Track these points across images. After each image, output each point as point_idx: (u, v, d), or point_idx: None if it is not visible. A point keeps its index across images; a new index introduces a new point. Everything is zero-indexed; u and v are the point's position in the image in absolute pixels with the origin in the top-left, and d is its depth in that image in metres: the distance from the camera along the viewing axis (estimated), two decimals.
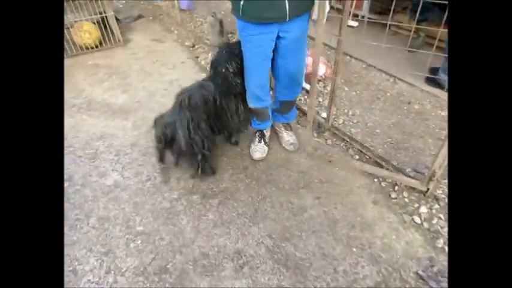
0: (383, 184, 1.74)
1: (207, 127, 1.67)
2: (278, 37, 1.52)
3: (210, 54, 3.11)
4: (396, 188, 1.70)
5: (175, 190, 1.74)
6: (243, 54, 1.59)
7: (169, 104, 2.46)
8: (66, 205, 1.67)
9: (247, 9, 1.38)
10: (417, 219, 1.53)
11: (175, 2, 3.78)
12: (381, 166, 1.80)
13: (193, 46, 3.36)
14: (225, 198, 1.68)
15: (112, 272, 1.36)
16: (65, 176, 1.84)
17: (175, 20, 3.93)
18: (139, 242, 1.48)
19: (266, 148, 1.95)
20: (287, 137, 2.00)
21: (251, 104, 1.75)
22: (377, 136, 2.05)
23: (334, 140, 2.05)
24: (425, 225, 1.50)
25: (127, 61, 3.10)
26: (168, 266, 1.38)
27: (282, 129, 2.02)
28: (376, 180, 1.76)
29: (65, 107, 2.44)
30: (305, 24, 1.54)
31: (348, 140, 1.99)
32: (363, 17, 3.40)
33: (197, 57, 3.14)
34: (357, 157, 1.91)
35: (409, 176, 1.68)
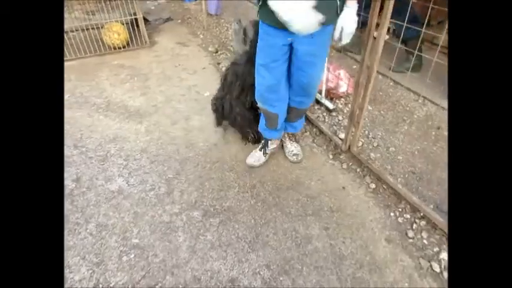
0: (400, 220, 1.58)
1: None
2: (292, 47, 1.47)
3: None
4: (414, 226, 1.54)
5: (177, 203, 1.68)
6: (257, 51, 1.57)
7: (185, 110, 2.45)
8: (69, 207, 1.66)
9: (261, 11, 1.42)
10: (436, 267, 1.36)
11: (203, 6, 3.78)
12: (400, 199, 1.64)
13: (217, 52, 3.33)
14: (227, 218, 1.60)
15: (100, 285, 1.32)
16: (74, 177, 1.84)
17: (202, 24, 3.94)
18: (132, 256, 1.43)
19: (262, 158, 1.90)
20: (291, 147, 1.94)
21: (258, 103, 1.74)
22: (398, 164, 1.89)
23: (350, 164, 1.91)
24: (446, 275, 1.34)
25: (150, 63, 3.12)
26: (156, 287, 1.31)
27: (287, 139, 1.97)
28: (392, 214, 1.61)
29: (86, 105, 2.47)
30: (323, 40, 1.44)
31: (366, 165, 1.85)
32: (394, 30, 3.21)
33: (219, 63, 3.10)
34: (374, 186, 1.76)
35: (431, 214, 1.51)
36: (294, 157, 1.90)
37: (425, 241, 1.47)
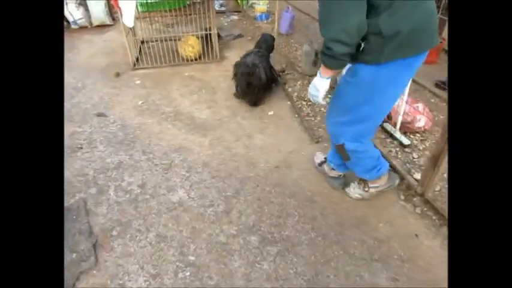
0: None
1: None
2: None
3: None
4: None
5: (234, 224, 1.65)
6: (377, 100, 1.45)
7: (248, 127, 2.45)
8: (133, 212, 1.72)
9: (392, 46, 1.30)
10: None
11: (276, 25, 3.83)
12: None
13: (283, 71, 3.32)
14: (285, 249, 1.52)
15: None
16: (139, 182, 1.91)
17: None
18: (188, 273, 1.41)
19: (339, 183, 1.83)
20: (353, 185, 1.81)
21: (352, 144, 1.58)
22: None
23: (425, 209, 1.71)
24: None
25: (218, 77, 3.21)
26: None
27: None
28: None
29: (156, 113, 2.61)
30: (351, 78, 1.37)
31: (442, 214, 1.63)
32: None
33: (285, 83, 3.08)
34: None
35: None
36: (354, 196, 1.80)
37: None
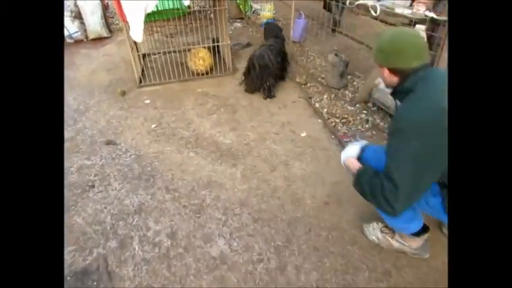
0: None
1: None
2: None
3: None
4: None
5: (293, 284, 1.35)
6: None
7: (282, 153, 2.16)
8: (166, 274, 1.40)
9: None
10: None
11: (290, 32, 3.56)
12: None
13: (306, 84, 3.04)
14: None
15: None
16: (168, 230, 1.60)
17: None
18: None
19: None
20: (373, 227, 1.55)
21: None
22: None
23: None
24: None
25: (235, 93, 2.92)
26: None
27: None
28: None
29: (174, 138, 2.30)
30: None
31: None
32: None
33: (310, 97, 2.81)
34: None
35: None
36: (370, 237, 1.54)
37: None
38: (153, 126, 2.45)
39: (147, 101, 2.79)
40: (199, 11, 4.83)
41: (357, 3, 2.20)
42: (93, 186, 1.87)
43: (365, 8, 2.21)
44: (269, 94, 2.79)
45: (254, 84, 2.80)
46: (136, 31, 2.42)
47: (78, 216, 1.66)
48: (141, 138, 2.30)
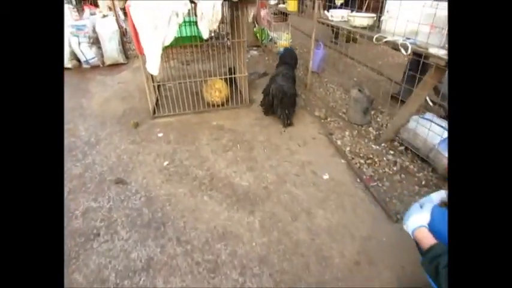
0: None
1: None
2: None
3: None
4: None
5: None
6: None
7: (303, 198, 1.97)
8: None
9: None
10: None
11: (310, 62, 3.46)
12: None
13: (326, 118, 2.90)
14: None
15: None
16: None
17: (303, 81, 3.61)
18: None
19: None
20: None
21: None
22: None
23: None
24: None
25: (252, 127, 2.78)
26: None
27: None
28: None
29: (187, 178, 2.15)
30: None
31: None
32: None
33: (331, 134, 2.65)
34: None
35: None
36: None
37: None
38: (165, 163, 2.31)
39: (160, 134, 2.67)
40: (216, 38, 4.84)
41: (384, 40, 2.08)
42: (98, 235, 1.71)
43: (393, 46, 2.09)
44: (290, 122, 2.78)
45: (274, 113, 2.84)
46: (153, 64, 2.34)
47: (79, 274, 1.49)
48: (153, 177, 2.16)
